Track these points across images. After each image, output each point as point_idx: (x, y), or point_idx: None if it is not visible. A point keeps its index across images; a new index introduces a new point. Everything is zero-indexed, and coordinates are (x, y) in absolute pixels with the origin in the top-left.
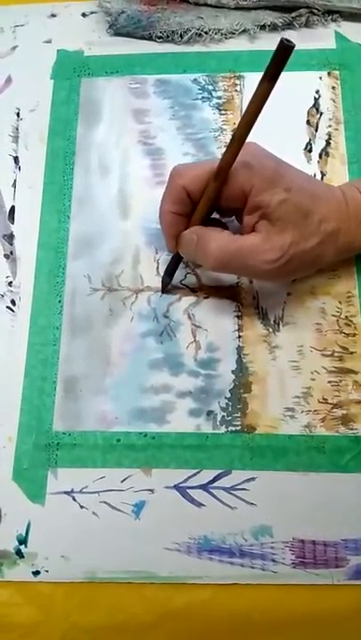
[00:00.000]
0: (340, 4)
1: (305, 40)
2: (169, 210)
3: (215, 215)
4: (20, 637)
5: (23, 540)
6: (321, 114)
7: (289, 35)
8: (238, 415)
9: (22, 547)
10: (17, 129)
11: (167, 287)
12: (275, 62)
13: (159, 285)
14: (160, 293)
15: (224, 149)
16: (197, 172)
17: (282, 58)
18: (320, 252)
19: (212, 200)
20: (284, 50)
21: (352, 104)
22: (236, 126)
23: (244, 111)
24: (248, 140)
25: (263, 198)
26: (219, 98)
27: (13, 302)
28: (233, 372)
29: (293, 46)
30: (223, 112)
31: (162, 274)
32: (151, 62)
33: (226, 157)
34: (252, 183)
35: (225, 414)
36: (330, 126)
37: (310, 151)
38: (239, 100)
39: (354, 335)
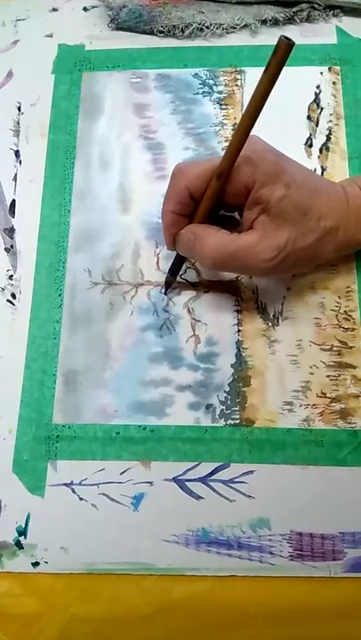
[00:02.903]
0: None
1: (306, 35)
2: (171, 210)
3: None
4: (20, 628)
5: (23, 532)
6: (322, 109)
7: (290, 30)
8: (237, 409)
9: (22, 538)
10: (18, 123)
11: (170, 287)
12: (274, 61)
13: (159, 280)
14: (163, 293)
15: (225, 144)
16: (199, 170)
17: (281, 56)
18: (318, 249)
19: (215, 199)
20: (284, 47)
21: (353, 99)
22: (237, 122)
23: (244, 109)
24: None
25: (263, 193)
26: (220, 92)
27: (14, 296)
28: (232, 365)
29: (293, 44)
30: (224, 107)
31: (162, 268)
32: (152, 57)
33: (228, 156)
34: (255, 178)
35: (224, 408)
36: (330, 121)
37: (311, 146)
38: (240, 94)
39: (353, 330)
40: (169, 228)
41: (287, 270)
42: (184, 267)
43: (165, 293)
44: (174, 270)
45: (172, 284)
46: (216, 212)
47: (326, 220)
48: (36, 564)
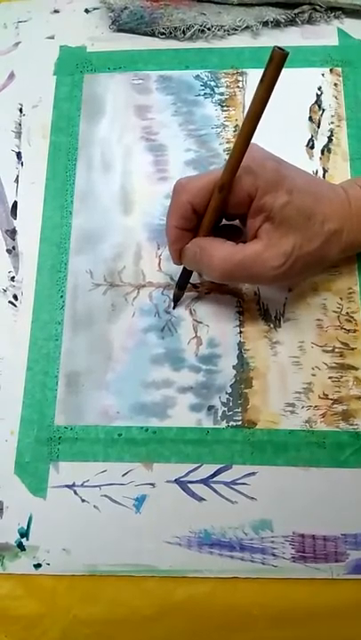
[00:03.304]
0: (343, 1)
1: (307, 37)
2: (175, 226)
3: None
4: (22, 630)
5: (25, 533)
6: (323, 110)
7: (291, 31)
8: (239, 410)
9: (24, 540)
10: (20, 125)
11: (179, 300)
12: (269, 71)
13: (161, 281)
14: (161, 288)
15: (227, 145)
16: (201, 184)
17: (276, 66)
18: (324, 253)
19: (218, 211)
20: (278, 57)
21: (354, 101)
22: (238, 124)
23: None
24: None
25: (266, 201)
26: (221, 94)
27: (16, 297)
28: (234, 367)
29: (287, 53)
30: (225, 108)
31: (163, 270)
32: (154, 58)
33: (229, 168)
34: (257, 186)
35: (226, 409)
36: (332, 123)
37: (312, 147)
38: (241, 96)
39: (355, 331)
40: (174, 244)
41: (295, 276)
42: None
43: (174, 308)
44: (182, 284)
45: (180, 297)
46: (218, 222)
47: (330, 224)
48: (37, 566)
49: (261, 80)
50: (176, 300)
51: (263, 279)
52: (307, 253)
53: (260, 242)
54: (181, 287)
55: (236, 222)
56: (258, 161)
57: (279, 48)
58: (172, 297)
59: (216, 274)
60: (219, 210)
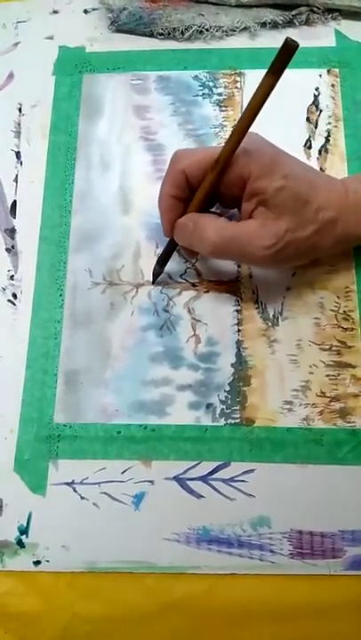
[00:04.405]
0: (341, 3)
1: (305, 38)
2: (168, 193)
3: (217, 207)
4: (23, 627)
5: (24, 531)
6: (321, 111)
7: (289, 33)
8: (237, 408)
9: (23, 537)
10: (19, 124)
11: (158, 277)
12: (279, 60)
13: (160, 279)
14: (160, 287)
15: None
16: (198, 157)
17: (285, 56)
18: (317, 241)
19: (210, 189)
20: (289, 48)
21: (352, 102)
22: (236, 122)
23: (245, 106)
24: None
25: (260, 185)
26: (219, 94)
27: (15, 296)
28: (232, 365)
29: (297, 46)
30: (224, 108)
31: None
32: (152, 59)
33: (226, 149)
34: (250, 170)
35: (224, 407)
36: (329, 123)
37: (310, 148)
38: (240, 96)
39: (352, 329)
40: (166, 213)
41: (285, 261)
42: (184, 267)
43: (153, 283)
44: (163, 261)
45: (159, 274)
46: (211, 203)
47: (325, 212)
48: (37, 563)
49: (269, 68)
50: (155, 277)
51: (253, 258)
52: (299, 239)
53: (254, 221)
54: (162, 264)
55: (235, 211)
56: (256, 145)
57: (292, 40)
58: (170, 295)
59: (208, 245)
60: (212, 187)
